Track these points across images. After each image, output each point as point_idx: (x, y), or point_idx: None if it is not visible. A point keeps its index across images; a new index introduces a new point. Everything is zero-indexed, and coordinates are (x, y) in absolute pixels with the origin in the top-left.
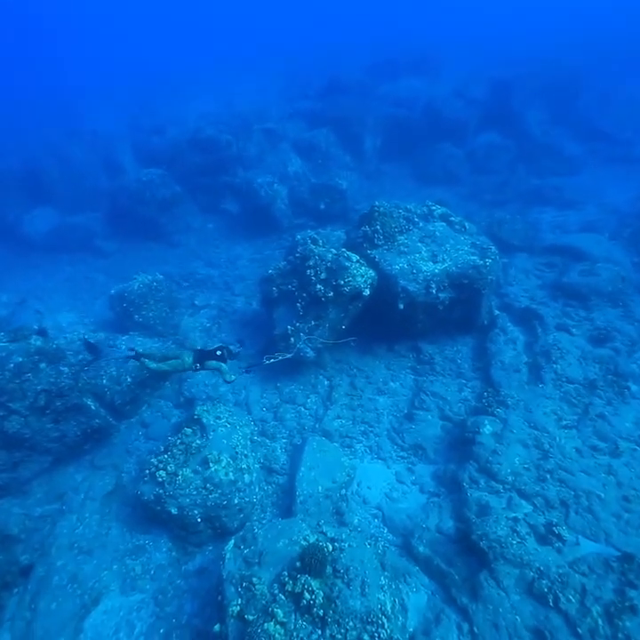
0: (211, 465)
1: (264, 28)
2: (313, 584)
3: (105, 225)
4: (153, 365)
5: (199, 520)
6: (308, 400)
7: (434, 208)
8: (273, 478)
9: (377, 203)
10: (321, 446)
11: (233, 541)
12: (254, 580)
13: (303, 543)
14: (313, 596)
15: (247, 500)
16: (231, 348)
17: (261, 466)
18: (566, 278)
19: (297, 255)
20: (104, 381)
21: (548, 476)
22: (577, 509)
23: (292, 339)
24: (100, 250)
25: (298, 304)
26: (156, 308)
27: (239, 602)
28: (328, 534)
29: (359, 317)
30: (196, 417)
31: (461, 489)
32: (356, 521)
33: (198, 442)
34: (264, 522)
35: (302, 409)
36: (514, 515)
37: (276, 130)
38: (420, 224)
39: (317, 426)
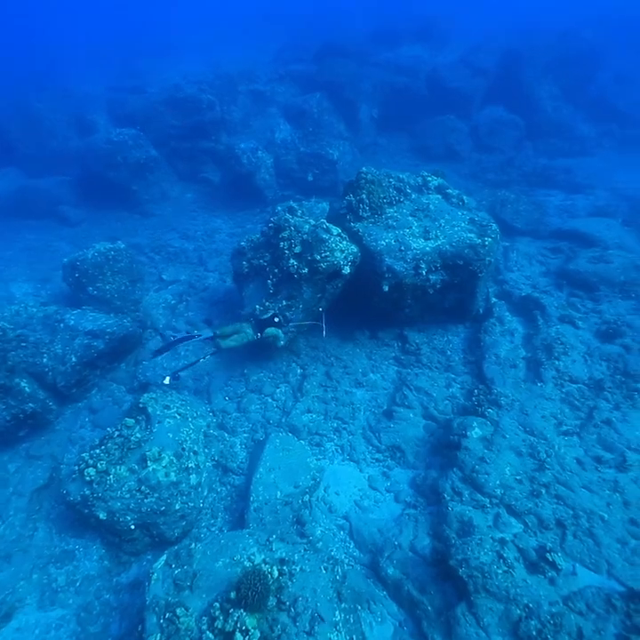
0: (148, 463)
1: None
2: (248, 622)
3: (73, 190)
4: (227, 345)
5: (133, 527)
6: (277, 390)
7: (429, 179)
8: (228, 478)
9: (364, 169)
10: (284, 444)
11: (165, 558)
12: (179, 611)
13: (246, 564)
14: (247, 638)
15: (192, 504)
16: (287, 314)
17: (216, 464)
18: (573, 265)
19: (270, 225)
20: (45, 360)
21: (544, 491)
22: (575, 532)
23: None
24: (67, 217)
25: (269, 281)
26: (114, 281)
27: (158, 638)
28: (277, 554)
29: (339, 299)
30: (140, 405)
31: (442, 501)
32: (319, 533)
33: (138, 435)
34: (213, 529)
35: (269, 400)
36: (501, 535)
37: (265, 92)
38: (413, 196)
39: (284, 420)
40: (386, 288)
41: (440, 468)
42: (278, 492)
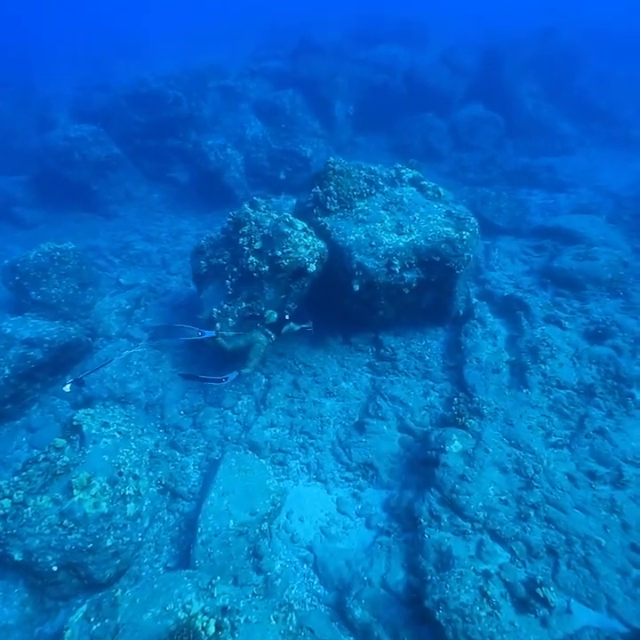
0: (74, 492)
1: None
2: None
3: (30, 191)
4: (250, 369)
5: (55, 568)
6: (239, 402)
7: (403, 171)
8: (177, 505)
9: (332, 159)
10: (241, 464)
11: (84, 608)
12: None
13: (180, 616)
14: None
15: (128, 539)
16: (290, 305)
17: (162, 488)
18: (558, 263)
19: (229, 220)
20: None
21: (532, 513)
22: (569, 561)
23: (218, 324)
24: (22, 219)
25: (227, 281)
26: (61, 284)
27: None
28: (219, 601)
29: (308, 301)
30: (74, 423)
31: (418, 526)
32: (278, 567)
33: (66, 458)
34: (157, 566)
35: (229, 413)
36: (484, 567)
37: (235, 88)
38: (386, 188)
39: (244, 436)
40: (357, 287)
41: (416, 488)
42: (231, 521)
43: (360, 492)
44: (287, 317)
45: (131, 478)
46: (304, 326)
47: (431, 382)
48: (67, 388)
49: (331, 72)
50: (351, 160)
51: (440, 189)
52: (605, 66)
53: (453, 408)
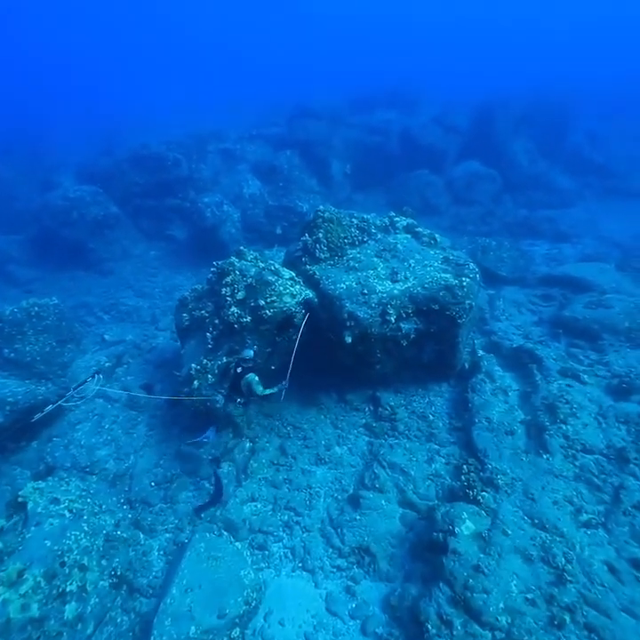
0: (0, 590)
1: (247, 74)
2: None
3: (26, 249)
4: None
5: None
6: (217, 471)
7: (397, 219)
8: (134, 602)
9: (322, 207)
10: (212, 550)
11: None
12: None
13: None
14: None
15: None
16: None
17: (117, 581)
18: (569, 312)
19: (213, 270)
20: None
21: (568, 618)
22: None
23: (196, 382)
24: (15, 277)
25: (208, 334)
26: (37, 341)
27: None
28: None
29: (299, 355)
30: (20, 499)
31: (425, 636)
32: None
33: (0, 545)
34: None
35: (206, 484)
36: None
37: (235, 150)
38: (379, 236)
39: (219, 513)
40: (349, 339)
41: (422, 581)
42: (193, 627)
43: (354, 586)
44: (239, 370)
45: (75, 569)
46: (272, 392)
47: (436, 446)
48: None
49: (327, 134)
50: None
51: (436, 236)
52: (595, 123)
53: (463, 477)
